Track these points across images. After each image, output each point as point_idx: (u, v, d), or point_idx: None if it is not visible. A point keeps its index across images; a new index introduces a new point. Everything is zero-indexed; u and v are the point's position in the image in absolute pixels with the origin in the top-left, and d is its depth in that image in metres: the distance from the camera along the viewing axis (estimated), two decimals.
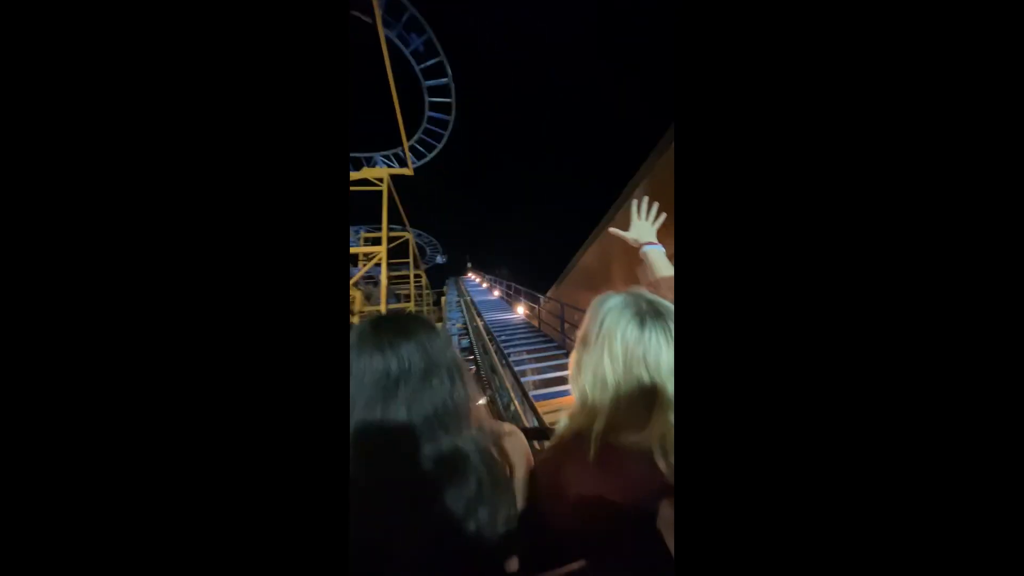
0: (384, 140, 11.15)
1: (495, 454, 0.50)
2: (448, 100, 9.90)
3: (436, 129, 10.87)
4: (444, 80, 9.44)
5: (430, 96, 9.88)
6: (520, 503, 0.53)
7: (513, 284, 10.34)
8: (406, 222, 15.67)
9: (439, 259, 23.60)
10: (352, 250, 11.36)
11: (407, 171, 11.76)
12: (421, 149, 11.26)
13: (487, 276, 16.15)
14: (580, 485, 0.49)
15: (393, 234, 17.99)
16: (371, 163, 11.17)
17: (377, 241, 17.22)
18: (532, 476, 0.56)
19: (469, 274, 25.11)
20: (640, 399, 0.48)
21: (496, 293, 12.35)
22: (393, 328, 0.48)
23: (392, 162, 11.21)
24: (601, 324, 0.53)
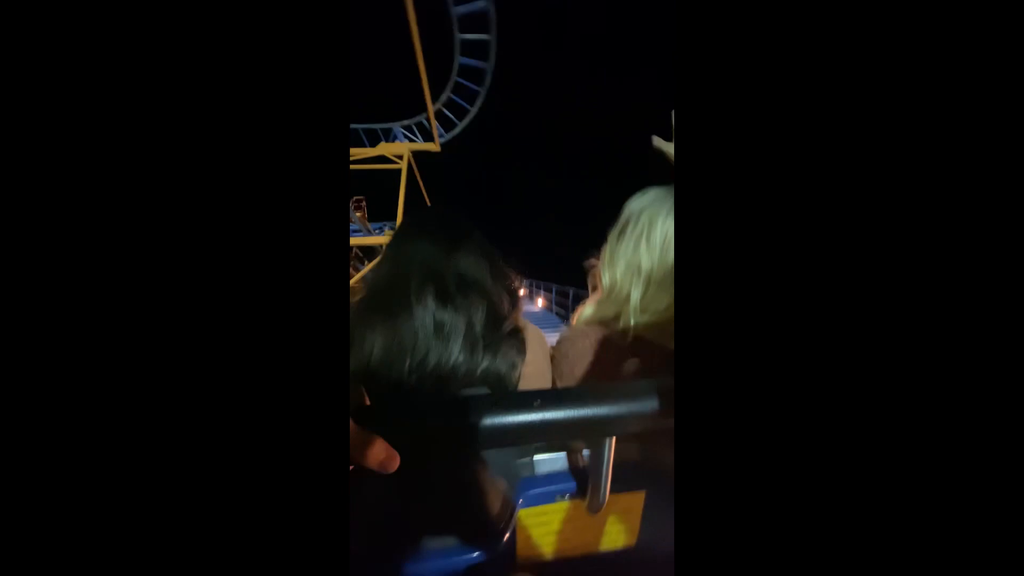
0: (405, 106, 8.95)
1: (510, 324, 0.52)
2: (486, 37, 7.28)
3: (469, 84, 8.43)
4: (481, 3, 6.75)
5: (462, 31, 7.31)
6: (544, 377, 0.56)
7: (571, 289, 7.57)
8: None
9: None
10: (357, 241, 9.22)
11: (432, 146, 9.38)
12: (450, 116, 8.89)
13: (526, 281, 13.62)
14: (601, 359, 0.53)
15: None
16: (390, 136, 9.00)
17: None
18: (553, 353, 0.58)
19: None
20: (669, 286, 0.52)
21: (541, 303, 9.74)
22: (446, 209, 0.59)
23: (415, 135, 8.95)
24: (640, 214, 0.55)
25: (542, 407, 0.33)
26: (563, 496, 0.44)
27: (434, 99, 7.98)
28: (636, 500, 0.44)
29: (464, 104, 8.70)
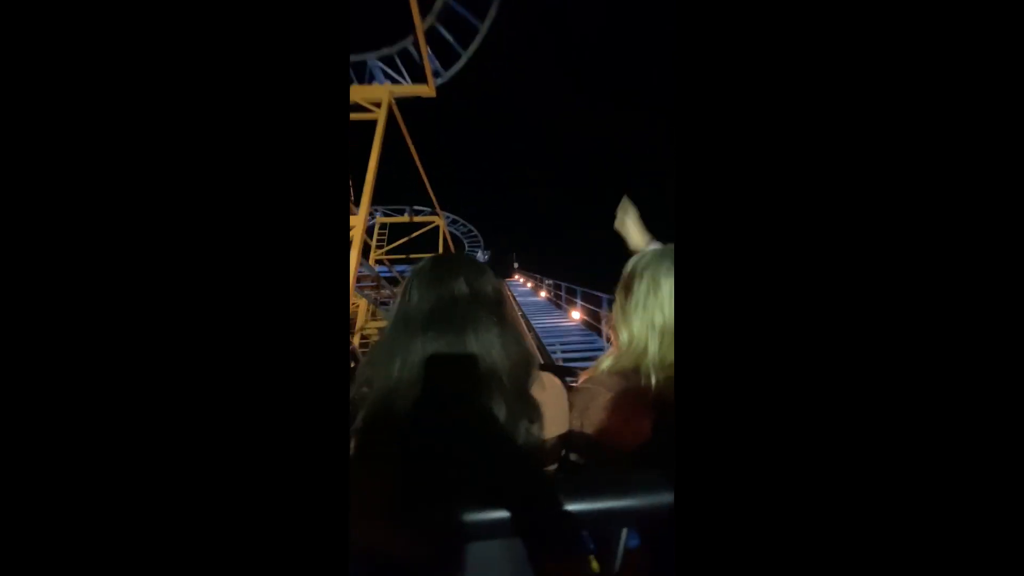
0: (383, 27, 6.25)
1: (527, 387, 0.52)
2: None
3: None
4: None
5: None
6: (562, 427, 0.56)
7: None
8: (432, 197, 10.75)
9: (480, 256, 18.45)
10: None
11: (425, 90, 6.67)
12: (451, 40, 6.18)
13: (547, 282, 10.92)
14: (621, 414, 0.54)
15: (419, 218, 13.08)
16: (365, 75, 6.39)
17: (404, 228, 12.26)
18: (572, 401, 0.59)
19: (516, 276, 20.28)
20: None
21: (577, 316, 7.06)
22: (447, 265, 0.55)
23: (401, 73, 6.29)
24: (643, 272, 0.60)
25: (566, 500, 0.35)
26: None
27: (426, 10, 5.32)
28: (648, 551, 0.44)
29: (471, 18, 5.94)
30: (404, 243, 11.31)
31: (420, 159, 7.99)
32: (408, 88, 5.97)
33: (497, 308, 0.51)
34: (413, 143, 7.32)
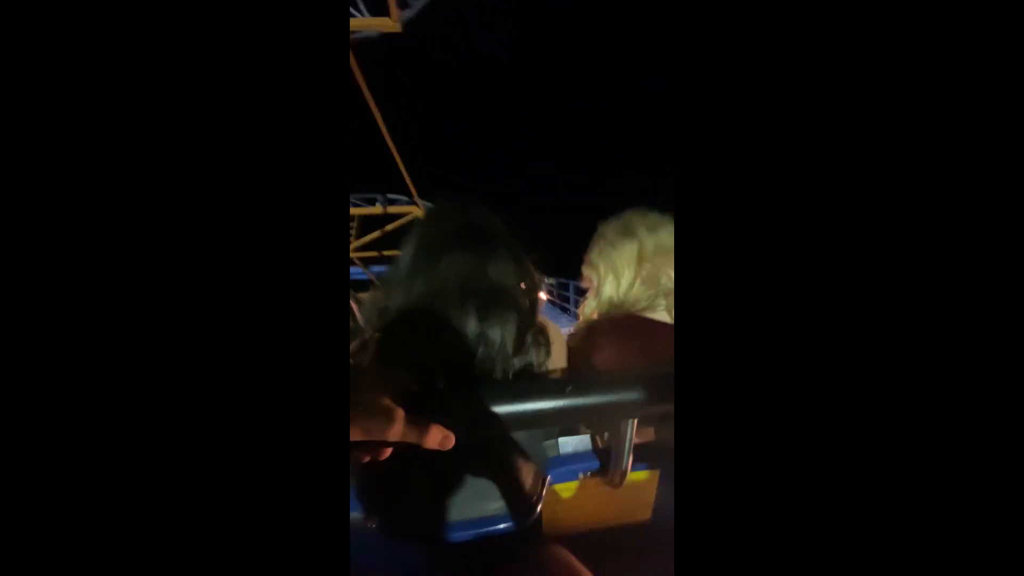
0: None
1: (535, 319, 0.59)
2: None
3: None
4: None
5: None
6: (562, 363, 0.62)
7: None
8: (408, 181, 8.94)
9: None
10: None
11: (388, 23, 4.82)
12: None
13: (548, 281, 9.47)
14: (610, 346, 0.66)
15: (394, 209, 11.15)
16: None
17: (376, 220, 10.39)
18: (569, 344, 0.67)
19: None
20: (635, 262, 0.75)
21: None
22: (467, 200, 0.63)
23: (353, 4, 4.64)
24: (598, 236, 0.82)
25: (574, 393, 0.38)
26: (586, 474, 0.52)
27: None
28: (652, 477, 0.49)
29: None
30: (378, 238, 9.44)
31: (389, 133, 6.33)
32: (364, 21, 4.35)
33: (512, 243, 0.58)
34: (378, 109, 5.67)
